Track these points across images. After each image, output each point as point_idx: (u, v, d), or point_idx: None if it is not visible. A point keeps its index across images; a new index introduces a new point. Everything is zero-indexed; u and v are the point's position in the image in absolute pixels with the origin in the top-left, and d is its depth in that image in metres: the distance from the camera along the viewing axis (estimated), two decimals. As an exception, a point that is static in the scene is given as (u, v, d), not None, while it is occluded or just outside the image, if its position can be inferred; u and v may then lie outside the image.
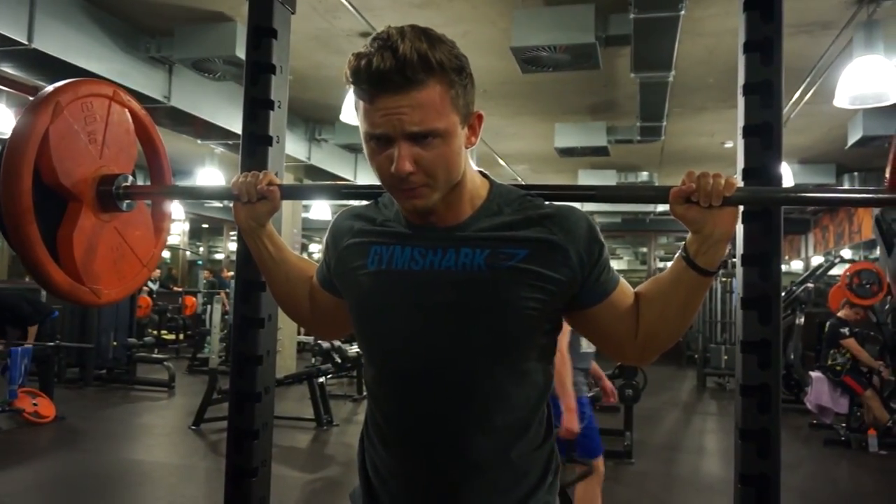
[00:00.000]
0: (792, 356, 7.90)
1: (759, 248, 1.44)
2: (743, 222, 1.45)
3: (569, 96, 6.40)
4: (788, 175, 8.01)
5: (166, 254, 15.37)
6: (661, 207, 11.17)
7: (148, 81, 5.21)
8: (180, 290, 12.57)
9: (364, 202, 1.22)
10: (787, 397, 7.89)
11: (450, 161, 1.00)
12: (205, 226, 15.31)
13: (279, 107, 1.79)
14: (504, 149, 8.61)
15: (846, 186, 8.53)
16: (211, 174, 8.52)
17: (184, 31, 4.93)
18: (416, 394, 1.07)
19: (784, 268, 14.54)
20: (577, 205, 1.15)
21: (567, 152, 7.21)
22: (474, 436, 1.05)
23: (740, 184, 1.17)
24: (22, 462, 4.96)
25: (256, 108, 1.76)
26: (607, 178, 9.21)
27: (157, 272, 12.28)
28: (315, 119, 7.57)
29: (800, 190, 1.27)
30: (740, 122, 1.47)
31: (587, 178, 9.27)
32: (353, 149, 8.07)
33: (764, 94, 1.43)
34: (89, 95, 1.49)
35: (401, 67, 0.94)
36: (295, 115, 7.36)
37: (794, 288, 8.08)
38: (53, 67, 4.47)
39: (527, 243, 1.05)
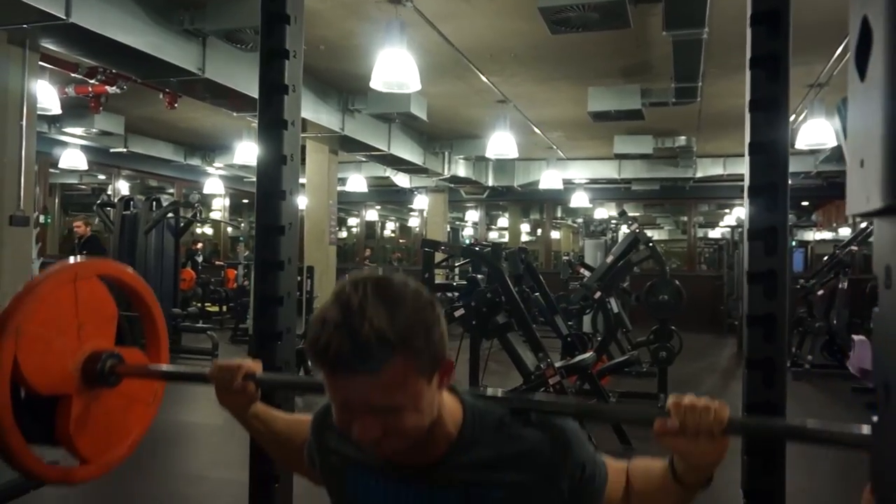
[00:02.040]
0: (835, 321, 7.75)
1: (764, 222, 1.43)
2: (749, 196, 1.45)
3: (601, 59, 6.30)
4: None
5: (209, 230, 15.70)
6: (700, 173, 11.01)
7: (182, 54, 5.29)
8: (222, 263, 12.85)
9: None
10: (829, 363, 7.77)
11: (417, 423, 0.97)
12: (245, 201, 15.56)
13: (293, 90, 1.82)
14: (537, 116, 8.53)
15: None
16: (248, 148, 8.65)
17: (216, 2, 4.99)
18: None
19: (830, 234, 14.20)
20: None
21: (601, 116, 7.11)
22: None
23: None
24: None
25: (271, 93, 1.80)
26: (643, 144, 9.06)
27: (201, 245, 12.57)
28: (348, 89, 7.60)
29: (795, 427, 1.19)
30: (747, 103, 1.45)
31: (622, 144, 9.13)
32: (387, 118, 8.10)
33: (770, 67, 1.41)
34: (51, 292, 1.48)
35: (360, 353, 0.90)
36: (328, 85, 7.41)
37: (838, 251, 7.88)
38: (91, 42, 4.58)
39: (503, 487, 1.03)
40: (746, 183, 1.43)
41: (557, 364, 4.20)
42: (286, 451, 1.34)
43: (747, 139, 1.43)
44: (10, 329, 1.38)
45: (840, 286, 7.58)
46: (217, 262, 12.42)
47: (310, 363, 0.96)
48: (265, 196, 1.81)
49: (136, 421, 1.68)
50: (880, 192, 0.50)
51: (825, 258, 8.63)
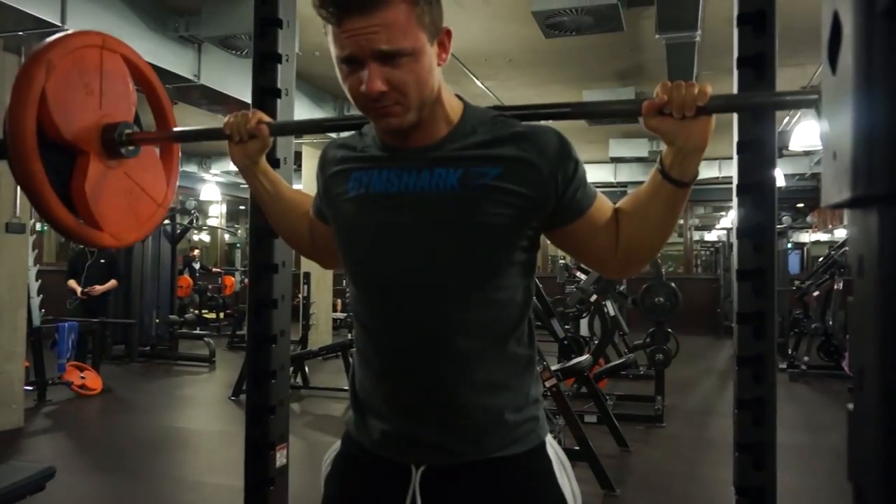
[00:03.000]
0: (831, 322, 7.77)
1: (753, 220, 1.44)
2: (737, 195, 1.46)
3: (595, 62, 6.34)
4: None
5: (206, 237, 15.68)
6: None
7: (178, 60, 5.32)
8: (219, 270, 12.84)
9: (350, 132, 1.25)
10: (826, 363, 7.78)
11: (421, 79, 1.02)
12: (241, 208, 15.55)
13: (286, 94, 1.84)
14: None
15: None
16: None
17: (210, 8, 5.01)
18: (393, 307, 1.10)
19: (826, 236, 14.25)
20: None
21: (596, 120, 7.14)
22: (452, 339, 1.08)
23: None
24: (72, 428, 5.21)
25: (264, 97, 1.82)
26: (639, 147, 9.10)
27: (198, 252, 12.55)
28: (343, 95, 7.54)
29: (776, 95, 1.25)
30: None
31: (618, 148, 9.17)
32: (383, 124, 8.13)
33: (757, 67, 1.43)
34: (80, 48, 1.50)
35: None
36: (323, 91, 7.44)
37: (833, 252, 7.91)
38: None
39: (499, 161, 1.07)
40: (735, 181, 1.44)
41: (554, 367, 4.21)
42: (291, 214, 1.36)
43: (735, 138, 1.45)
44: (41, 60, 1.40)
45: (835, 287, 7.61)
46: (214, 269, 12.39)
47: (318, 10, 1.00)
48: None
49: (146, 213, 1.68)
50: (850, 183, 0.51)
51: (820, 259, 8.67)
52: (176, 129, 1.70)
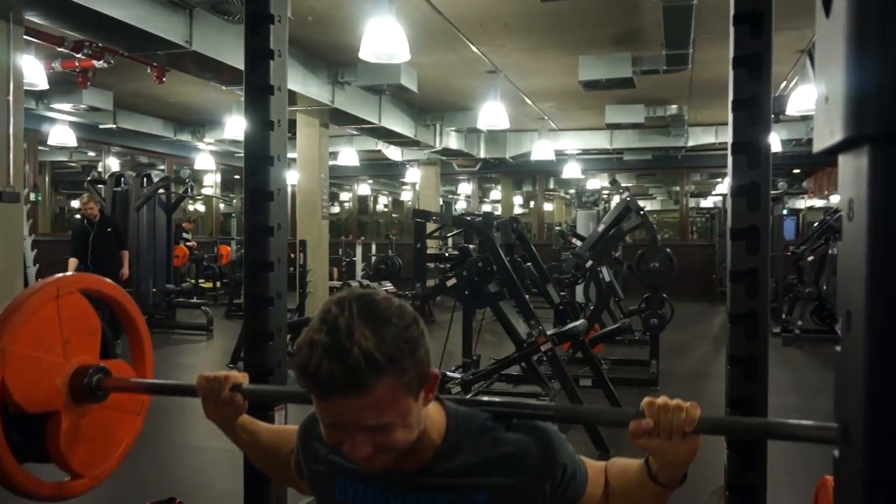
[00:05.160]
0: (825, 287, 7.83)
1: (747, 178, 1.44)
2: (732, 154, 1.46)
3: (591, 26, 6.27)
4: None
5: (201, 207, 15.62)
6: (692, 142, 11.01)
7: (169, 26, 5.23)
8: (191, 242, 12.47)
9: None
10: (819, 327, 7.86)
11: (406, 438, 1.01)
12: (236, 177, 15.48)
13: (279, 56, 1.82)
14: (528, 86, 8.49)
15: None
16: (238, 122, 8.60)
17: (200, -30, 4.93)
18: None
19: (821, 202, 14.26)
20: None
21: (592, 85, 7.08)
22: None
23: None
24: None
25: (257, 59, 1.80)
26: (635, 113, 9.03)
27: (191, 225, 12.49)
28: (337, 61, 7.54)
29: (764, 422, 1.25)
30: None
31: (614, 114, 9.10)
32: (377, 91, 8.04)
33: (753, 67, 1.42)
34: (33, 313, 1.48)
35: (350, 378, 0.92)
36: (317, 57, 7.34)
37: (828, 217, 7.94)
38: (75, 14, 4.52)
39: (487, 489, 1.07)
40: (730, 140, 1.44)
41: (549, 332, 4.25)
42: (273, 462, 1.37)
43: (731, 96, 1.45)
44: None
45: (830, 252, 7.64)
46: (188, 244, 11.93)
47: (299, 383, 0.98)
48: (253, 161, 1.81)
49: (125, 432, 1.71)
50: (842, 125, 0.51)
51: (815, 225, 8.69)
52: (147, 381, 1.73)
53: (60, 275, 1.60)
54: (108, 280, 1.73)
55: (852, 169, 0.54)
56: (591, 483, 1.15)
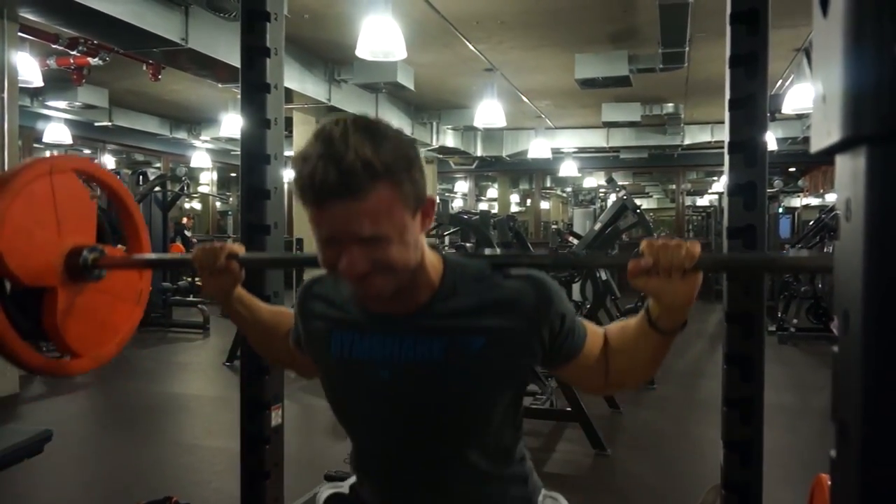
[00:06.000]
0: (820, 285, 7.84)
1: (744, 177, 1.45)
2: (729, 153, 1.46)
3: (588, 24, 6.27)
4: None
5: (197, 205, 15.58)
6: (688, 140, 11.02)
7: (164, 23, 5.21)
8: (211, 236, 12.73)
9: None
10: (815, 326, 7.87)
11: (403, 256, 0.98)
12: (233, 175, 15.43)
13: (275, 53, 1.82)
14: (525, 84, 8.49)
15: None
16: (234, 120, 8.58)
17: (195, -32, 4.91)
18: (390, 463, 1.13)
19: (817, 201, 14.29)
20: None
21: (588, 84, 7.08)
22: (451, 482, 1.11)
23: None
24: (68, 395, 5.23)
25: (253, 56, 1.81)
26: (631, 112, 9.04)
27: (190, 221, 12.47)
28: (334, 59, 7.53)
29: (763, 256, 1.24)
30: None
31: (610, 112, 9.11)
32: (374, 88, 8.02)
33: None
34: (26, 184, 1.46)
35: (346, 180, 0.91)
36: (314, 55, 7.33)
37: (824, 216, 7.95)
38: (69, 10, 4.50)
39: (484, 332, 1.05)
40: (726, 138, 1.45)
41: (546, 330, 4.24)
42: (272, 340, 1.36)
43: (727, 95, 1.45)
44: None
45: (825, 250, 7.66)
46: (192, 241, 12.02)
47: (296, 198, 0.96)
48: (250, 160, 1.81)
49: (123, 319, 1.68)
50: (839, 125, 0.51)
51: (811, 223, 8.71)
52: (145, 255, 1.71)
53: (54, 153, 1.58)
54: (99, 164, 1.71)
55: (850, 169, 0.54)
56: (589, 342, 1.13)
